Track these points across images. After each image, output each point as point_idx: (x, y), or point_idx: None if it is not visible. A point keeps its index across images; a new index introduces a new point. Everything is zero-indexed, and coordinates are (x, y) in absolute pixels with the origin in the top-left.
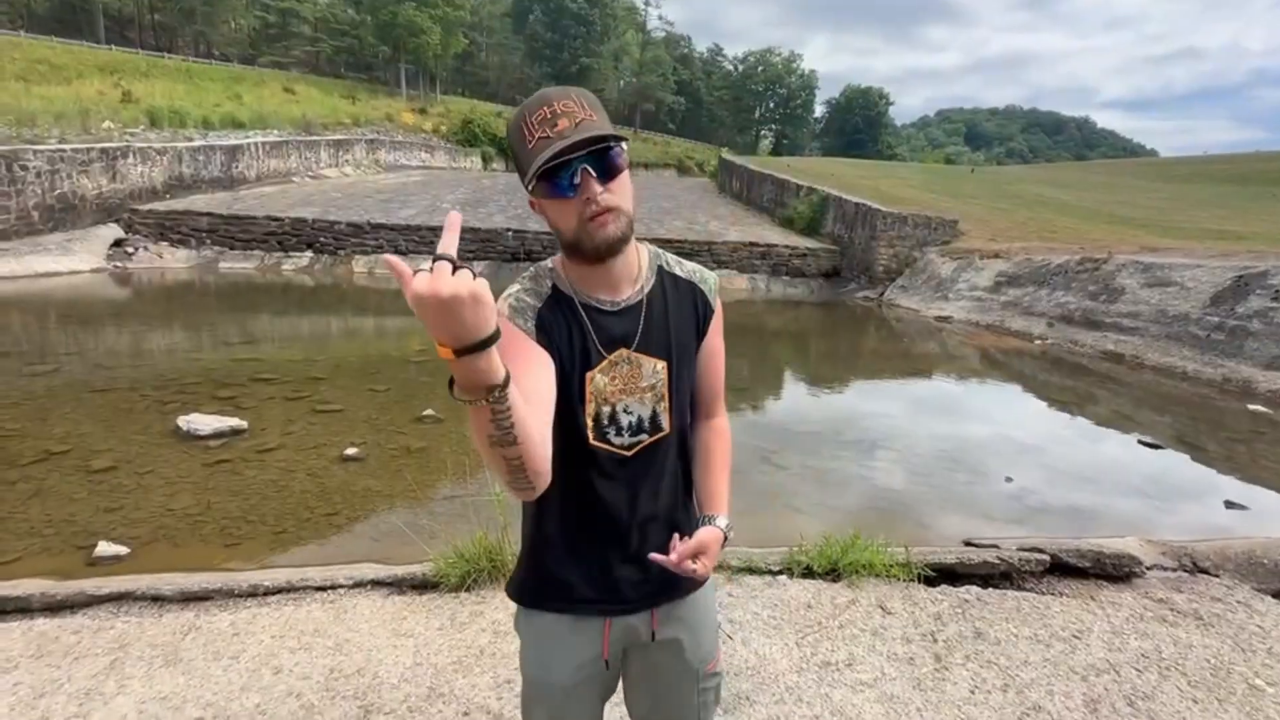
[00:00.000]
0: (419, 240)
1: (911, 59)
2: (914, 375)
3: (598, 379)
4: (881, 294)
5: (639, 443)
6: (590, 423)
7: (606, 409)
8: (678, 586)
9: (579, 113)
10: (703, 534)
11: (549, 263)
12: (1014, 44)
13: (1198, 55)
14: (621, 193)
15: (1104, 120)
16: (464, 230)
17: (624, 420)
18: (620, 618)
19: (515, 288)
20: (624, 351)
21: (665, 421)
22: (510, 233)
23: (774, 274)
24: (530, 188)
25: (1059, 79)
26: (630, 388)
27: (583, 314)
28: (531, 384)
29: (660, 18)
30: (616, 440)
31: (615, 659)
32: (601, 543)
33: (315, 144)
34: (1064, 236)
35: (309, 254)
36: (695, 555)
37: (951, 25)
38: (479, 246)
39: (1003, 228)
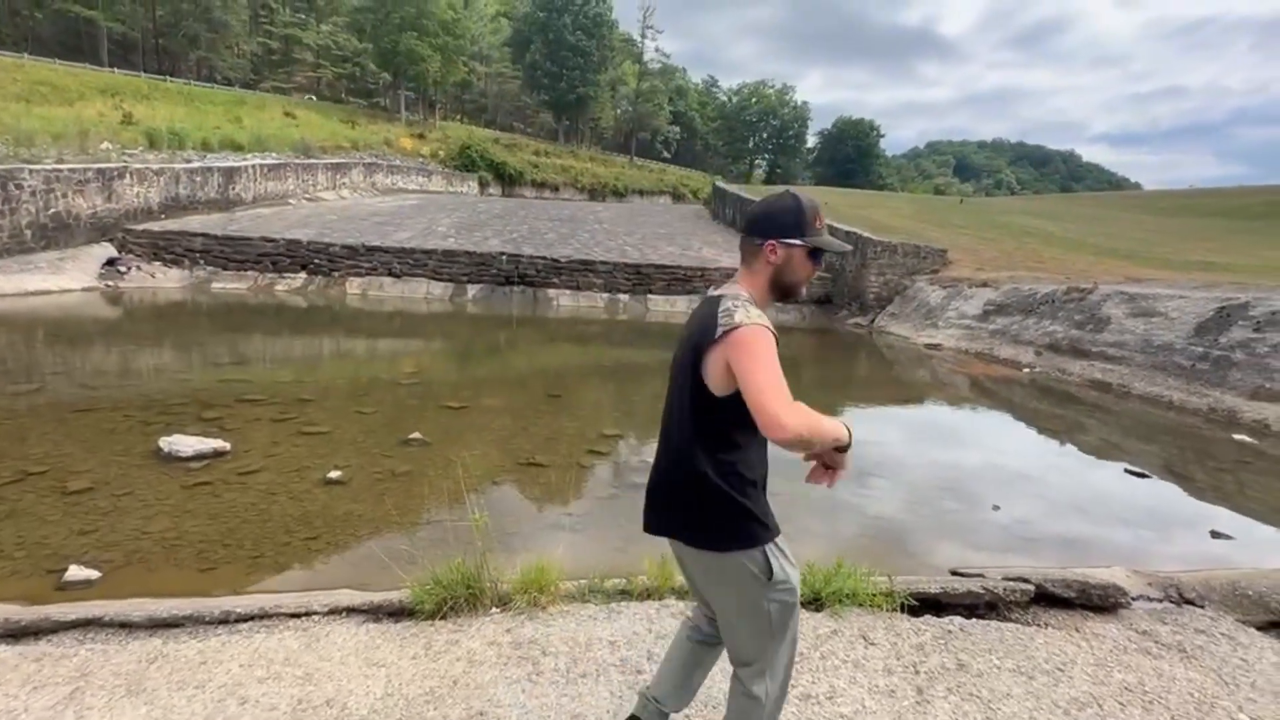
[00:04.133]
0: (413, 263)
1: (905, 93)
2: (904, 403)
3: None
4: (872, 321)
5: None
6: None
7: None
8: None
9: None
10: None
11: (745, 294)
12: (1004, 80)
13: (1181, 94)
14: None
15: (1091, 154)
16: (459, 254)
17: None
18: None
19: (757, 311)
20: None
21: None
22: (505, 256)
23: None
24: (791, 244)
25: (1048, 114)
26: None
27: None
28: None
29: (657, 49)
30: None
31: None
32: (764, 485)
33: (313, 167)
34: (1050, 266)
35: (303, 275)
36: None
37: (944, 62)
38: (474, 269)
39: (990, 257)
